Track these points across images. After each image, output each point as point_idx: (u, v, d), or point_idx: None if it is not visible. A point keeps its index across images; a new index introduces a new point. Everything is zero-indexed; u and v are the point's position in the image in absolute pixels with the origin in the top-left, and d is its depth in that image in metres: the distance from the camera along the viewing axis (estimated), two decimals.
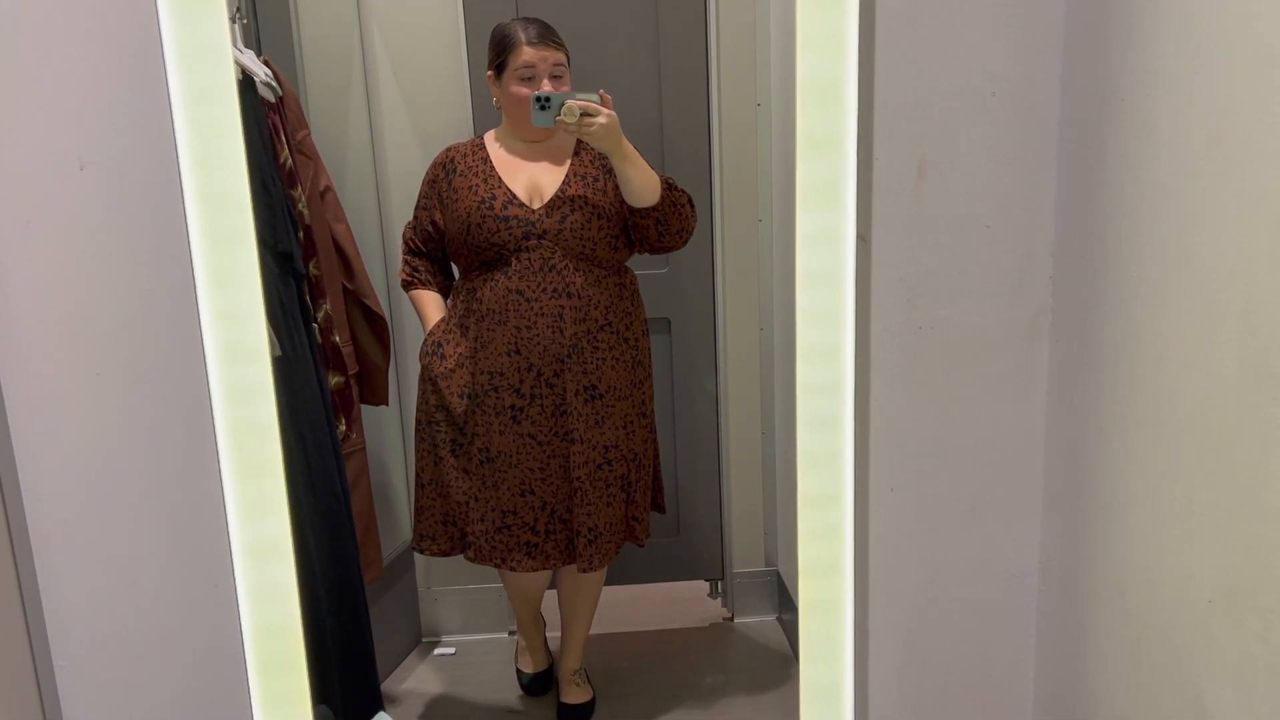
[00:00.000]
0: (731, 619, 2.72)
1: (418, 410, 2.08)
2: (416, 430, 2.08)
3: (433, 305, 2.09)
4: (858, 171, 1.19)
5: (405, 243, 2.13)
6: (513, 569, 2.02)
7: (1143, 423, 1.08)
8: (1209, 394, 0.97)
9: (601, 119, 1.82)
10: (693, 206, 2.01)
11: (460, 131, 2.35)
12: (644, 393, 2.08)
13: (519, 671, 2.38)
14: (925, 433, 1.27)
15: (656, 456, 2.19)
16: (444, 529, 2.07)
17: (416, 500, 2.09)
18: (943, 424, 1.28)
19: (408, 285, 2.12)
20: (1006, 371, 1.27)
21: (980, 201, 1.22)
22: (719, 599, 2.78)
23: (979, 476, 1.29)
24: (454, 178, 1.99)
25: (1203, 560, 0.99)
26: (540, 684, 2.36)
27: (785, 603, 2.63)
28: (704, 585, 2.81)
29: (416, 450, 2.09)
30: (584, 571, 2.04)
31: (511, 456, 1.98)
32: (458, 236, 1.97)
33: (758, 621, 2.70)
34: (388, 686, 2.40)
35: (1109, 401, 1.15)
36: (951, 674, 1.34)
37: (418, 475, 2.09)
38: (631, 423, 2.04)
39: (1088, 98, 1.16)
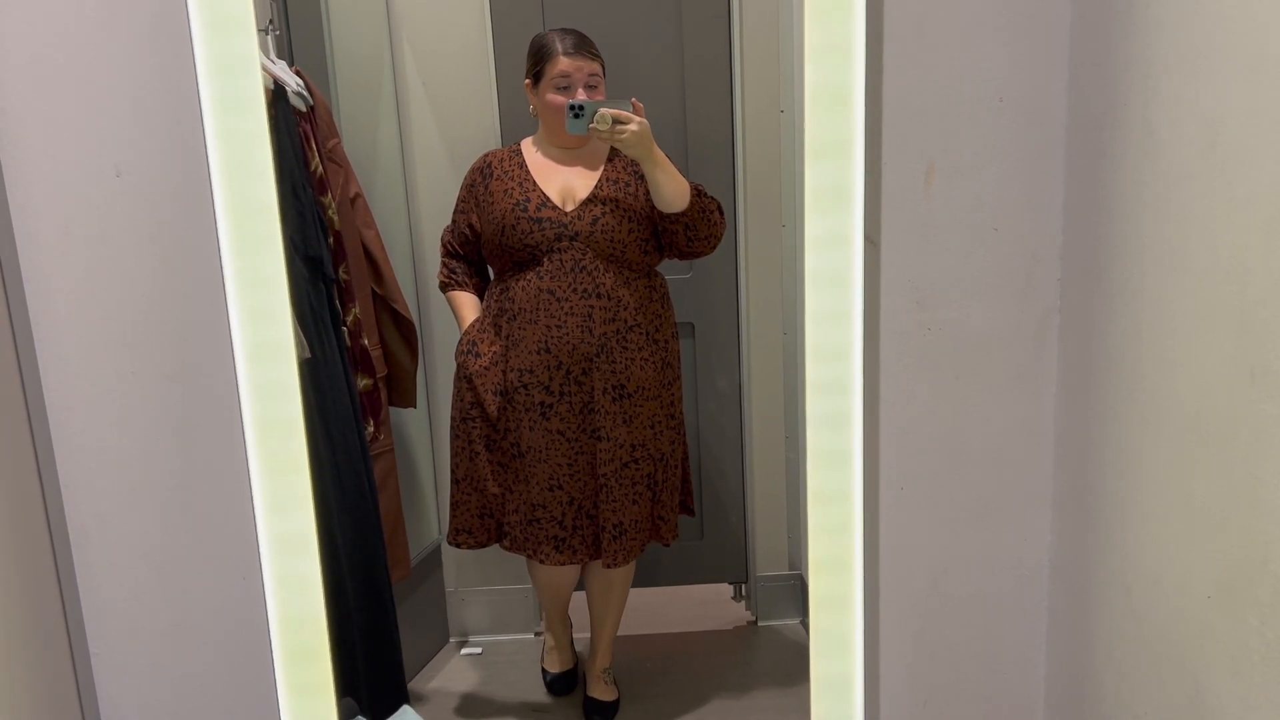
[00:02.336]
0: (755, 622, 2.73)
1: (453, 408, 2.12)
2: (452, 427, 2.13)
3: (468, 306, 2.14)
4: (866, 176, 1.22)
5: (443, 245, 2.19)
6: (541, 561, 2.07)
7: (1145, 422, 1.10)
8: (1207, 393, 0.98)
9: (633, 126, 1.87)
10: (721, 213, 2.05)
11: (488, 141, 2.40)
12: (673, 394, 2.12)
13: (544, 670, 2.42)
14: (934, 432, 1.29)
15: (685, 459, 2.22)
16: (480, 521, 2.12)
17: (451, 496, 2.14)
18: (952, 423, 1.29)
19: (445, 286, 2.18)
20: (1015, 372, 1.28)
21: (988, 205, 1.24)
22: (743, 602, 2.79)
23: (988, 475, 1.31)
24: (490, 182, 2.05)
25: (1202, 556, 1.00)
26: (564, 684, 2.39)
27: (808, 606, 2.64)
28: (728, 588, 2.82)
29: (451, 447, 2.13)
30: (608, 567, 2.08)
31: (541, 452, 2.02)
32: (493, 238, 2.02)
33: (781, 625, 2.71)
34: (416, 684, 2.44)
35: (1114, 401, 1.16)
36: (962, 669, 1.36)
37: (452, 472, 2.13)
38: (659, 423, 2.08)
39: (1092, 103, 1.18)
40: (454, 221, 2.15)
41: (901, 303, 1.25)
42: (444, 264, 2.18)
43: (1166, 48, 1.02)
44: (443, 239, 2.19)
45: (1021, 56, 1.21)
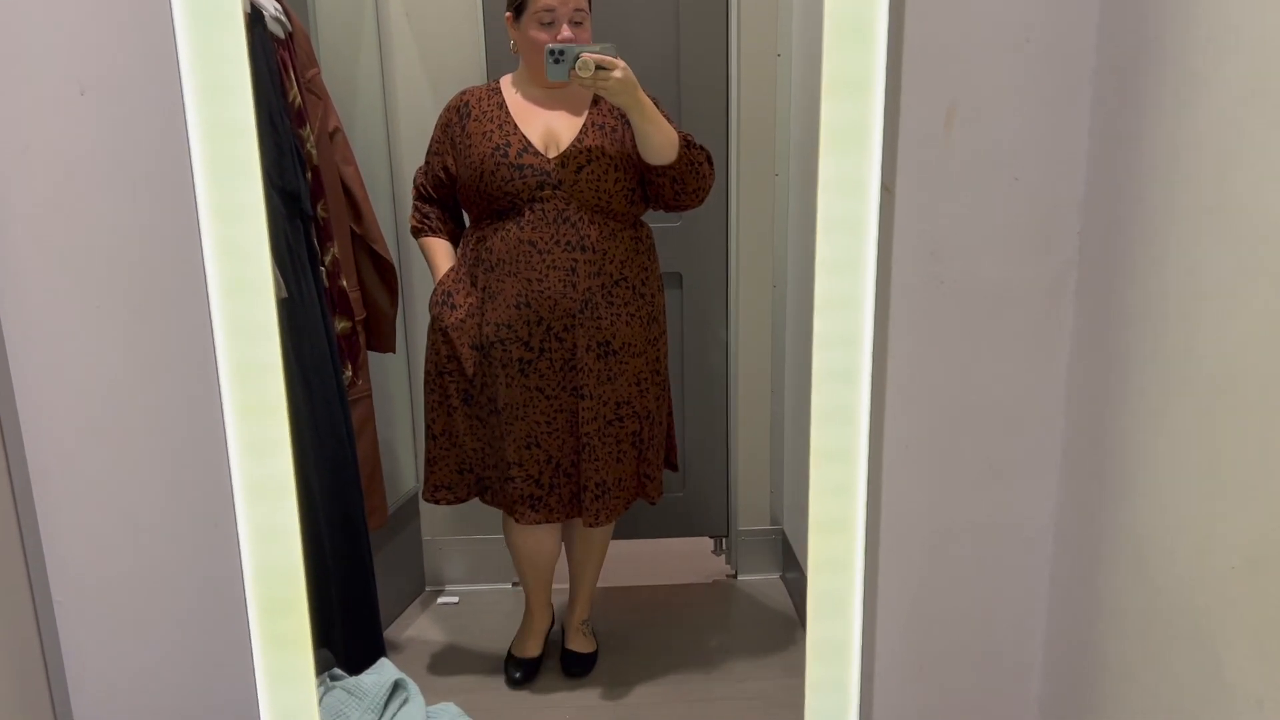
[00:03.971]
0: (735, 576, 2.71)
1: (427, 361, 2.05)
2: (426, 381, 2.06)
3: (443, 254, 2.05)
4: (884, 117, 1.15)
5: (415, 188, 2.09)
6: (517, 519, 2.01)
7: (1167, 382, 1.05)
8: (1238, 354, 0.94)
9: (617, 73, 1.77)
10: (711, 164, 1.96)
11: (473, 75, 2.31)
12: (658, 349, 2.06)
13: (509, 654, 2.26)
14: (943, 389, 1.25)
15: (670, 414, 2.17)
16: (459, 477, 2.07)
17: (428, 451, 2.07)
18: (961, 380, 1.25)
19: (417, 232, 2.08)
20: (1029, 328, 1.24)
21: (1009, 152, 1.19)
22: (723, 556, 2.77)
23: (996, 435, 1.27)
24: (468, 122, 1.95)
25: (1227, 525, 0.96)
26: (528, 673, 2.24)
27: (789, 562, 2.63)
28: (708, 542, 2.80)
29: (426, 402, 2.06)
30: (590, 526, 2.03)
31: (518, 409, 1.96)
32: (470, 184, 1.93)
33: (761, 580, 2.70)
34: (391, 634, 2.40)
35: (1135, 361, 1.12)
36: (960, 634, 1.33)
37: (428, 427, 2.06)
38: (644, 379, 2.02)
39: (1124, 46, 1.12)
40: (427, 163, 2.05)
41: (914, 252, 1.20)
42: (416, 208, 2.08)
43: None
44: (415, 181, 2.09)
45: None
